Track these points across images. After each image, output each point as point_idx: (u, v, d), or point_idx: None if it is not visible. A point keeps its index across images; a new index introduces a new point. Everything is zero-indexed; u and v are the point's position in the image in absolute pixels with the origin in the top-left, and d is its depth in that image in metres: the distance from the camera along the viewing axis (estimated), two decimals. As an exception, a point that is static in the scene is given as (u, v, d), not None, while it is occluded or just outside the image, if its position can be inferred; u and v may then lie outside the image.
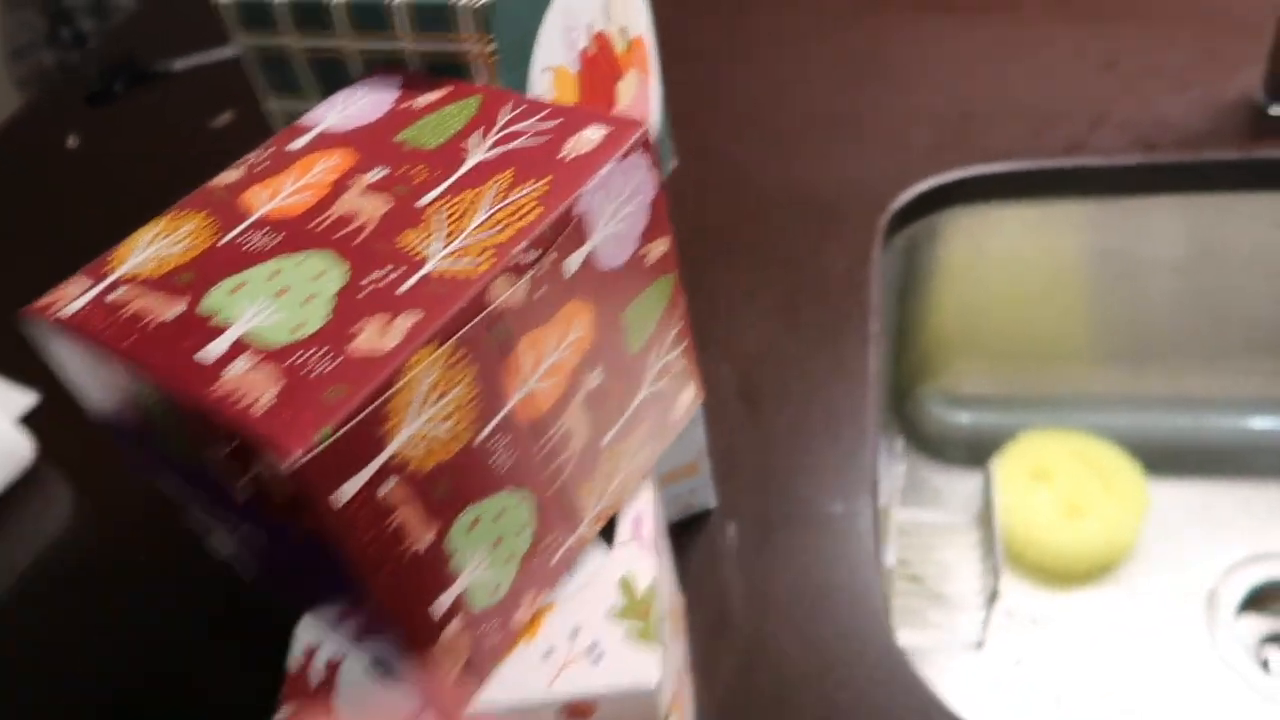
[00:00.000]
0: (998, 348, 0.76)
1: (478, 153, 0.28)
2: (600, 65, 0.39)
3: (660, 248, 0.30)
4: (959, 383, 0.78)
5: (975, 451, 0.76)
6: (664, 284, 0.31)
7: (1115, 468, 0.71)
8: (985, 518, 0.66)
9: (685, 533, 0.50)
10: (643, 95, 0.43)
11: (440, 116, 0.30)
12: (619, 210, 0.28)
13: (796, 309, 0.60)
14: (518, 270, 0.25)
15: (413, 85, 0.33)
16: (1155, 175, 0.66)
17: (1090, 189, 0.67)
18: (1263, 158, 0.65)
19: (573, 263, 0.27)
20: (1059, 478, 0.71)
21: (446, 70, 0.34)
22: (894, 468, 0.63)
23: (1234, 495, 0.71)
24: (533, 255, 0.25)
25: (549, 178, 0.27)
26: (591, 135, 0.28)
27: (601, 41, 0.39)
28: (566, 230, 0.26)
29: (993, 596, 0.59)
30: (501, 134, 0.29)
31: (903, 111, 0.72)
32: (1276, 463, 0.71)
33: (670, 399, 0.33)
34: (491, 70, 0.33)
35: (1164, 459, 0.73)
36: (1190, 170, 0.66)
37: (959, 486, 0.75)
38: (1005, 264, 0.72)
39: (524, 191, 0.27)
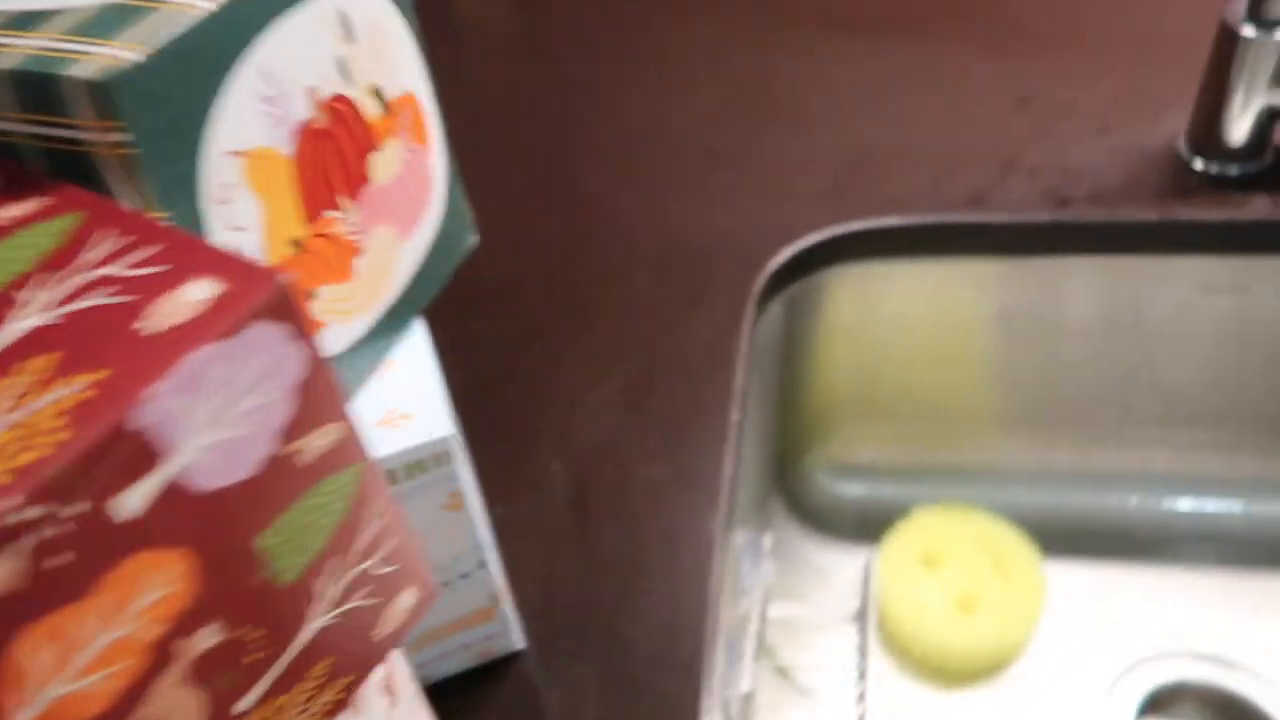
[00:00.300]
0: (892, 415, 0.69)
1: (26, 316, 0.20)
2: (336, 139, 0.31)
3: (327, 438, 0.22)
4: (849, 451, 0.70)
5: (865, 526, 0.69)
6: (342, 480, 0.23)
7: (1013, 554, 0.64)
8: (861, 619, 0.59)
9: (481, 681, 0.42)
10: (415, 169, 0.34)
11: (8, 247, 0.21)
12: (232, 407, 0.19)
13: (648, 393, 0.52)
14: (12, 535, 0.16)
15: (9, 187, 0.24)
16: (1065, 234, 0.59)
17: (993, 247, 0.60)
18: (1183, 220, 0.58)
19: (132, 500, 0.18)
20: (952, 563, 0.64)
21: (73, 163, 0.25)
22: (761, 566, 0.56)
23: (1140, 583, 0.65)
24: (41, 510, 0.17)
25: (109, 370, 0.18)
26: (192, 296, 0.19)
27: (338, 108, 0.31)
28: (118, 457, 0.18)
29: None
30: (75, 284, 0.20)
31: (792, 152, 0.64)
32: (1189, 549, 0.65)
33: (374, 615, 0.25)
34: (127, 166, 0.24)
35: (1067, 539, 0.67)
36: (1104, 230, 0.59)
37: (846, 567, 0.68)
38: (900, 324, 0.64)
39: (64, 391, 0.18)
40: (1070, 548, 0.66)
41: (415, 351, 0.35)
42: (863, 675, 0.58)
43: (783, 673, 0.62)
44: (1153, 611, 0.63)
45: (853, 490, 0.71)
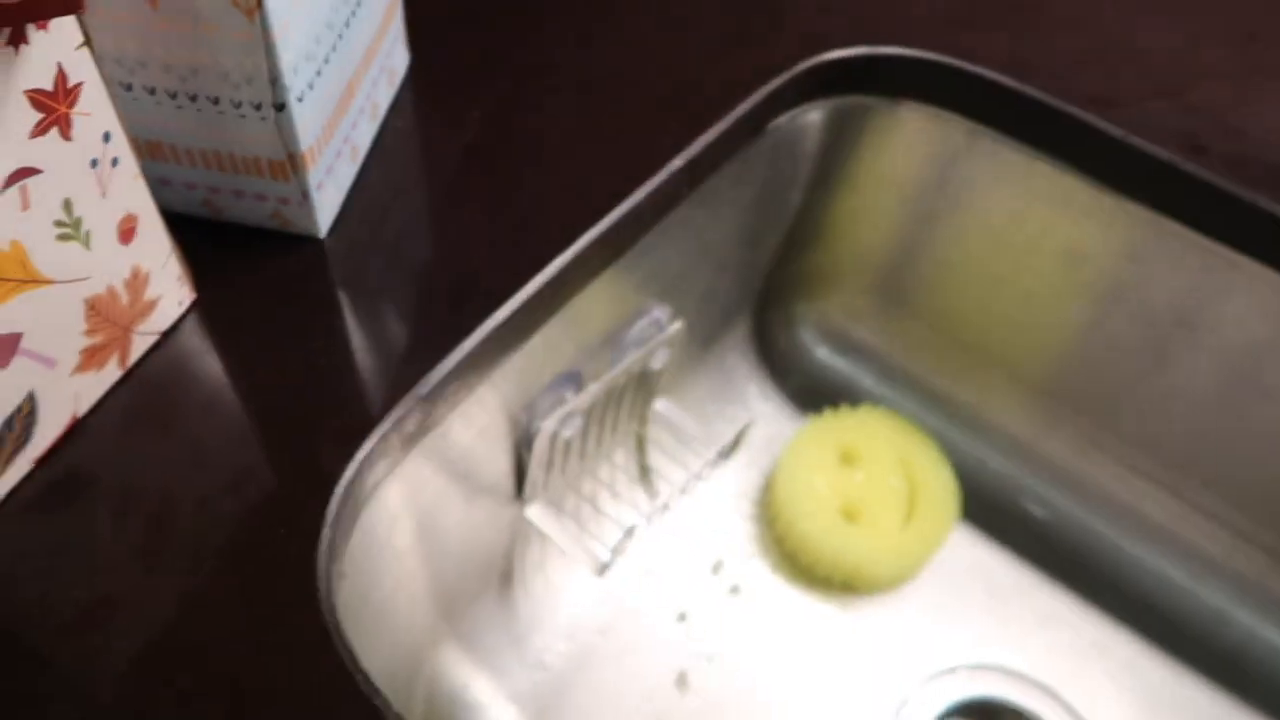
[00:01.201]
0: (910, 307, 0.61)
1: None
2: None
3: None
4: (843, 318, 0.63)
5: (817, 397, 0.63)
6: None
7: (932, 501, 0.57)
8: (725, 453, 0.54)
9: (272, 246, 0.40)
10: None
11: None
12: None
13: (621, 96, 0.46)
14: None
15: None
16: (1177, 187, 0.48)
17: (1088, 165, 0.50)
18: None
19: None
20: (864, 471, 0.58)
21: None
22: (652, 343, 0.51)
23: (1039, 600, 0.57)
24: None
25: None
26: None
27: None
28: None
29: (630, 531, 0.48)
30: None
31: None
32: (1114, 598, 0.56)
33: None
34: None
35: (1000, 519, 0.59)
36: (1235, 208, 0.47)
37: (770, 422, 0.62)
38: (966, 211, 0.55)
39: None
40: (996, 529, 0.59)
41: None
42: (682, 491, 0.54)
43: (644, 470, 0.59)
44: (1011, 628, 0.55)
45: (826, 358, 0.64)
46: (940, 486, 0.59)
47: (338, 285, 0.40)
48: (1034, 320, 0.57)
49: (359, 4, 0.38)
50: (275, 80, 0.33)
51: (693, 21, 0.50)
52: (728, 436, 0.56)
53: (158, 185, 0.39)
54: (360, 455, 0.34)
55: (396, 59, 0.45)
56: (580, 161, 0.44)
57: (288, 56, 0.33)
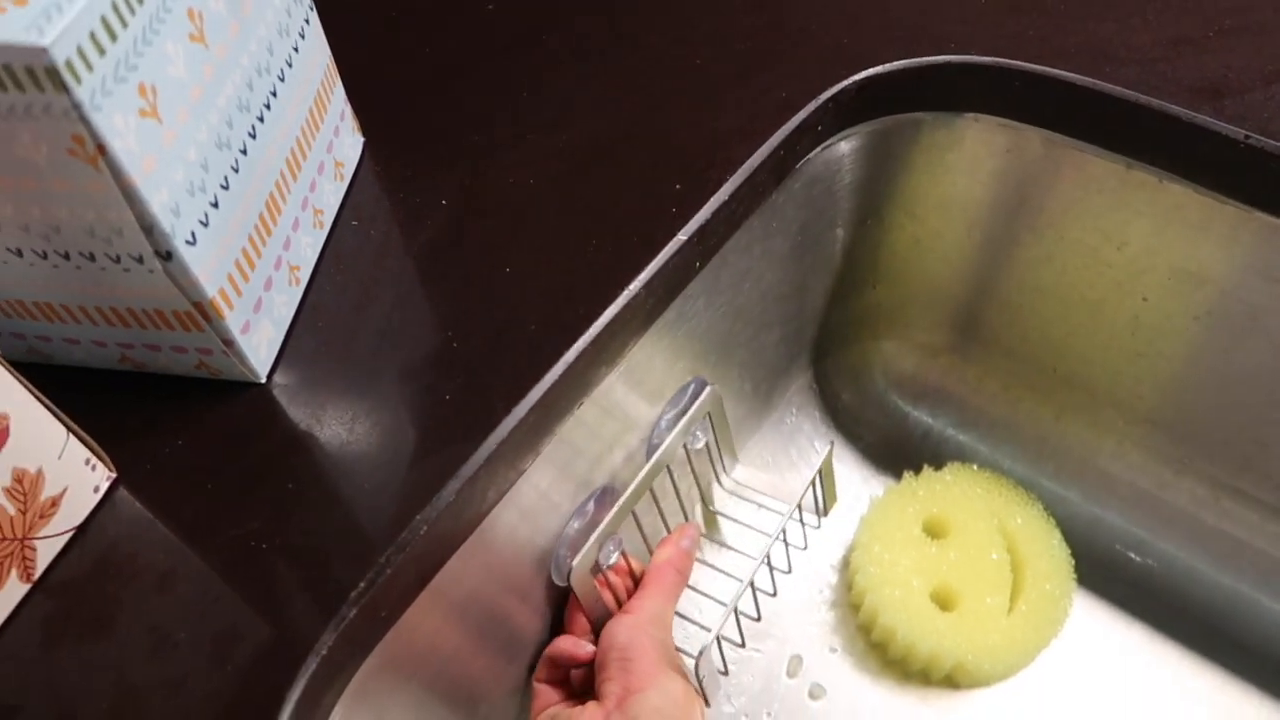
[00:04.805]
0: (998, 334, 0.51)
1: None
2: None
3: None
4: (914, 355, 0.54)
5: (895, 451, 0.54)
6: None
7: (1042, 576, 0.48)
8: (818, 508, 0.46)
9: (208, 397, 0.34)
10: None
11: None
12: None
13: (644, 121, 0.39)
14: None
15: None
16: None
17: (1194, 170, 0.40)
18: None
19: None
20: (957, 545, 0.50)
21: None
22: (686, 412, 0.44)
23: (1170, 679, 0.47)
24: None
25: None
26: None
27: None
28: None
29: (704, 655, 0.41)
30: None
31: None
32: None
33: None
34: None
35: (1127, 590, 0.50)
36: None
37: (850, 486, 0.54)
38: (1061, 226, 0.46)
39: None
40: (1119, 597, 0.49)
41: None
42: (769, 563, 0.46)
43: (707, 510, 0.52)
44: (1166, 712, 0.46)
45: (901, 406, 0.55)
46: (1049, 555, 0.50)
47: (289, 435, 0.34)
48: (1147, 349, 0.47)
49: (267, 106, 0.32)
50: (150, 228, 0.27)
51: (689, 61, 0.42)
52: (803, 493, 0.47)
53: (65, 345, 0.34)
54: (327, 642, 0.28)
55: (343, 148, 0.38)
56: (570, 243, 0.37)
57: (160, 197, 0.27)
